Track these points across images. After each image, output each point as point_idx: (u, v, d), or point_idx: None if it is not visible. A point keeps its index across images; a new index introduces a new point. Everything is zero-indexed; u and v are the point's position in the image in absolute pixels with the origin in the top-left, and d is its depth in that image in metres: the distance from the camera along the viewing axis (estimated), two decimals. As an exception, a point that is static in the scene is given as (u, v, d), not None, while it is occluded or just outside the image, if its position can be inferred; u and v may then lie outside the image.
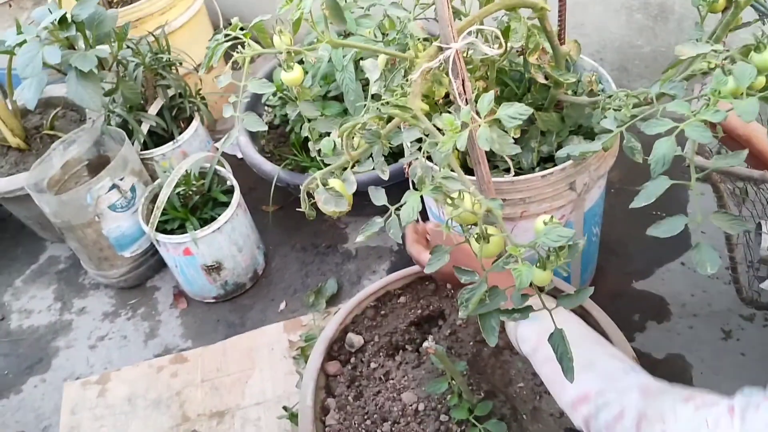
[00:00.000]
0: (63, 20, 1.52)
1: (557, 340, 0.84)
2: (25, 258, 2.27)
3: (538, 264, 0.80)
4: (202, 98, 2.15)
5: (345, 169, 0.99)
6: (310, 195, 1.02)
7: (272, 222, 2.14)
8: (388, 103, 0.93)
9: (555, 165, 1.34)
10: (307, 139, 1.98)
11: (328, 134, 1.06)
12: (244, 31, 1.04)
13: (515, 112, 0.78)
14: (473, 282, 0.81)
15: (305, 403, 1.29)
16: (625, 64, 2.12)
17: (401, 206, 0.86)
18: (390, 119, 0.98)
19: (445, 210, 0.83)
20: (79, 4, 1.56)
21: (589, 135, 1.40)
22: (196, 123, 2.10)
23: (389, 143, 0.94)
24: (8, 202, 2.07)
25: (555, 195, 1.36)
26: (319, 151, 1.08)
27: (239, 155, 2.33)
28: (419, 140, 1.02)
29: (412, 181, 0.88)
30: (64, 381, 1.88)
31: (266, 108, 2.12)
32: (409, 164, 1.15)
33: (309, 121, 1.08)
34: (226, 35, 1.08)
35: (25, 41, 1.57)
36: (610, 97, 1.13)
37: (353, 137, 0.94)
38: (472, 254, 0.85)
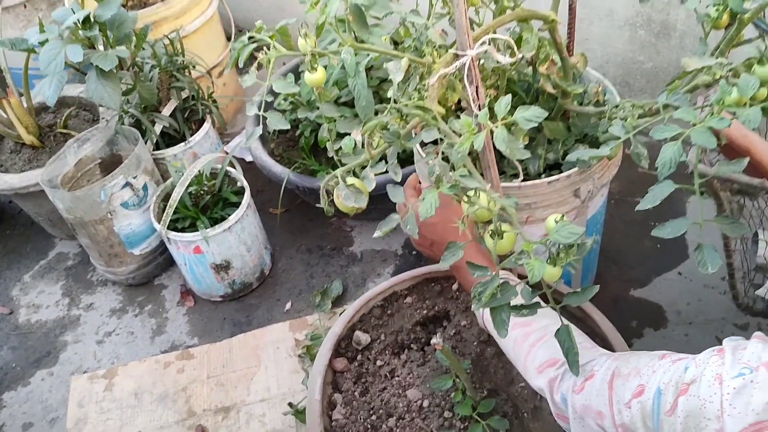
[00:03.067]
0: (86, 20, 1.57)
1: (564, 336, 0.89)
2: (34, 254, 2.30)
3: (548, 261, 0.85)
4: (214, 101, 2.19)
5: (364, 167, 1.04)
6: (328, 192, 1.06)
7: (279, 224, 2.18)
8: (406, 105, 0.98)
9: (561, 172, 1.39)
10: (316, 143, 2.03)
11: (345, 135, 1.10)
12: (270, 34, 1.08)
13: (531, 115, 0.83)
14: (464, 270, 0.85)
15: (313, 397, 1.33)
16: (628, 79, 2.17)
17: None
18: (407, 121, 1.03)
19: (462, 207, 0.88)
20: (103, 5, 1.61)
21: (594, 144, 1.44)
22: (207, 125, 2.14)
23: (406, 144, 0.99)
24: (21, 198, 2.11)
25: (560, 201, 1.40)
26: (337, 150, 1.12)
27: (248, 158, 2.38)
28: (434, 142, 1.06)
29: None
30: (71, 374, 1.91)
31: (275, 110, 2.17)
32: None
33: (329, 121, 1.12)
34: (250, 37, 1.12)
35: (47, 40, 1.61)
36: (616, 107, 1.18)
37: (373, 137, 0.99)
38: (456, 214, 0.89)
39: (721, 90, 0.86)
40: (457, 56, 1.05)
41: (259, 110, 1.14)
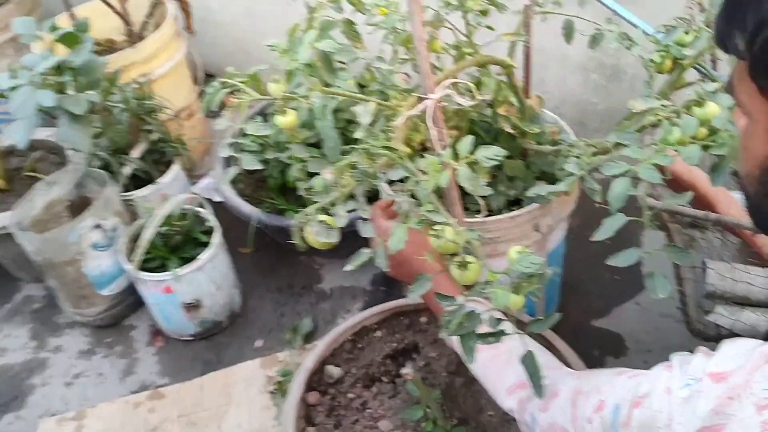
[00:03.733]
0: (57, 66, 1.61)
1: (528, 362, 0.94)
2: (0, 298, 2.29)
3: (512, 290, 0.91)
4: (183, 143, 2.23)
5: (334, 205, 1.09)
6: (300, 228, 1.11)
7: (249, 263, 2.21)
8: (374, 146, 1.04)
9: (522, 207, 1.46)
10: (284, 183, 2.07)
11: (315, 174, 1.16)
12: (242, 79, 1.14)
13: (492, 153, 0.90)
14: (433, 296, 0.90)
15: (287, 430, 1.35)
16: (582, 119, 2.28)
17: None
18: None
19: (430, 240, 0.94)
20: (74, 51, 1.65)
21: (552, 181, 1.52)
22: (176, 167, 2.18)
23: (374, 183, 1.04)
24: (-13, 241, 2.11)
25: (522, 235, 1.47)
26: (307, 189, 1.17)
27: (216, 198, 2.41)
28: (400, 181, 1.12)
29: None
30: (39, 417, 1.89)
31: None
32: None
33: (300, 161, 1.18)
34: (223, 82, 1.17)
35: (17, 86, 1.64)
36: (571, 145, 1.26)
37: (343, 176, 1.04)
38: (425, 244, 0.95)
39: (664, 130, 0.94)
40: (420, 99, 1.12)
41: (233, 152, 1.19)
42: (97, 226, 1.88)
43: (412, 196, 0.99)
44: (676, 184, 1.21)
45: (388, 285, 2.11)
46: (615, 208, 0.88)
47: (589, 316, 1.92)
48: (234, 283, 2.06)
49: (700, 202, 1.17)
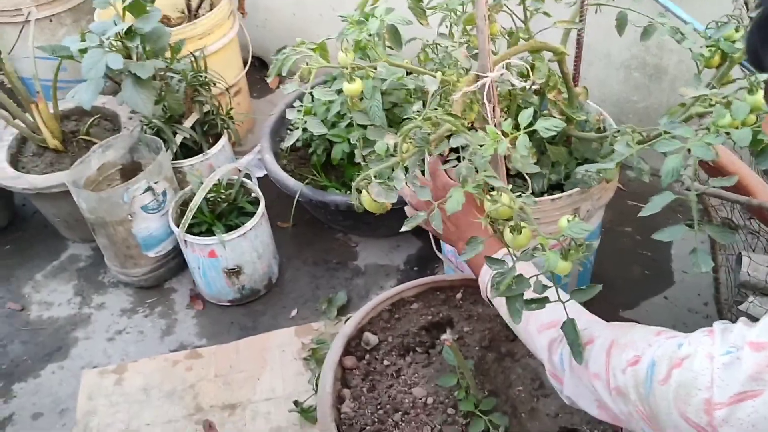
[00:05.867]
0: (129, 32, 1.69)
1: (569, 328, 1.00)
2: (47, 255, 2.38)
3: (560, 257, 0.96)
4: (231, 117, 2.31)
5: (392, 170, 1.15)
6: (359, 191, 1.17)
7: (287, 237, 2.29)
8: (439, 114, 1.09)
9: (563, 192, 1.52)
10: (327, 161, 2.14)
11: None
12: (313, 47, 1.21)
13: (551, 124, 0.95)
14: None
15: (324, 390, 1.41)
16: (621, 117, 2.32)
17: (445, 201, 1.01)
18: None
19: (485, 205, 1.00)
20: (143, 18, 1.73)
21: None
22: (224, 139, 2.26)
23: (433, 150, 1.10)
24: (41, 199, 2.20)
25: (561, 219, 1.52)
26: (364, 156, 1.23)
27: (258, 175, 2.48)
28: (456, 150, 1.18)
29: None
30: (81, 369, 1.98)
31: (289, 130, 2.29)
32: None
33: (362, 128, 1.24)
34: (293, 49, 1.24)
35: (86, 48, 1.73)
36: (618, 131, 1.31)
37: (404, 142, 1.10)
38: (478, 210, 1.00)
39: (716, 113, 0.98)
40: (478, 77, 1.18)
41: (289, 120, 1.25)
42: (149, 189, 1.96)
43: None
44: (716, 173, 1.25)
45: (421, 265, 2.17)
46: (666, 182, 0.93)
47: (617, 308, 1.96)
48: (273, 254, 2.13)
49: (742, 193, 1.21)
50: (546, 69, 1.40)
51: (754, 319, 1.35)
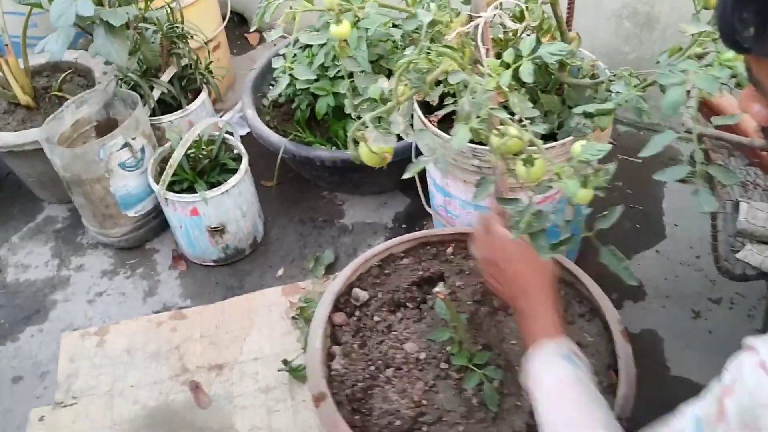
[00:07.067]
0: (99, -23, 1.60)
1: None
2: (22, 216, 2.31)
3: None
4: (210, 72, 2.23)
5: (389, 113, 1.09)
6: (355, 141, 1.11)
7: (272, 196, 2.23)
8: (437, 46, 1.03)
9: (556, 141, 1.47)
10: (311, 116, 2.08)
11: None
12: (297, -12, 1.14)
13: (556, 49, 0.90)
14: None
15: (314, 346, 1.37)
16: (612, 68, 2.26)
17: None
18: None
19: (491, 142, 0.95)
20: (114, -36, 1.65)
21: (588, 117, 1.53)
22: (204, 95, 2.18)
23: (431, 91, 1.05)
24: (13, 157, 2.12)
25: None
26: (355, 106, 1.17)
27: (240, 132, 2.41)
28: (453, 95, 1.13)
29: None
30: (61, 331, 1.92)
31: (271, 85, 2.22)
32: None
33: (350, 76, 1.18)
34: (276, -7, 1.17)
35: (56, -5, 1.64)
36: (614, 75, 1.26)
37: (400, 83, 1.04)
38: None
39: (719, 48, 0.94)
40: (471, 18, 1.12)
41: (271, 76, 1.19)
42: (126, 145, 1.89)
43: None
44: (708, 112, 1.21)
45: (410, 222, 2.13)
46: (668, 115, 0.89)
47: (608, 262, 1.94)
48: (258, 212, 2.08)
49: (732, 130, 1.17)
50: (540, 11, 1.35)
51: (752, 267, 1.33)
